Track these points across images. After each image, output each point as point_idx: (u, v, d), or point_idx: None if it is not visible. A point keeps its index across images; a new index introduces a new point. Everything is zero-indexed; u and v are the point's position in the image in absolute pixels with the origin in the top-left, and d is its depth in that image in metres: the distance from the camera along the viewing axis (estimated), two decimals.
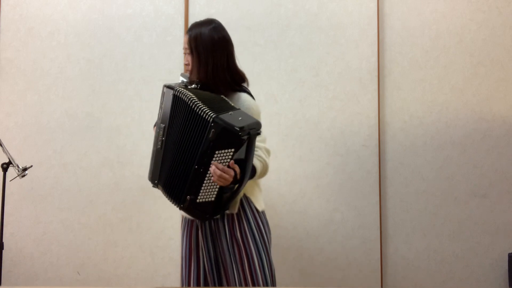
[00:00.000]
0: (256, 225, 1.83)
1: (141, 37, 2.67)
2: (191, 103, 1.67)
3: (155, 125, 1.92)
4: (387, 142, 2.64)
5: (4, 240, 2.24)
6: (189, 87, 1.80)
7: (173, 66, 2.63)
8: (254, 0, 2.65)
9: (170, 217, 2.60)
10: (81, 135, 2.65)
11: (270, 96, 2.63)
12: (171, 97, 1.78)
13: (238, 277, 1.80)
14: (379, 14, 2.64)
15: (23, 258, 2.64)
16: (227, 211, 1.81)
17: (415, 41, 2.64)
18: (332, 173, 2.62)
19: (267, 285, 1.80)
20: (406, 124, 2.64)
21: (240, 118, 1.63)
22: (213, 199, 1.69)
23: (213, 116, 1.60)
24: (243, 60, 2.62)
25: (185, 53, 1.85)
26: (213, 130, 1.60)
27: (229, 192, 1.70)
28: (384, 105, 2.64)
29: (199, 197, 1.67)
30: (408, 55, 2.64)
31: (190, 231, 1.90)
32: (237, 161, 1.64)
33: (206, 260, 1.86)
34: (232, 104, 1.74)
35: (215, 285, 1.86)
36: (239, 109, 1.72)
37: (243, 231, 1.81)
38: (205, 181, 1.65)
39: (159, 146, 1.83)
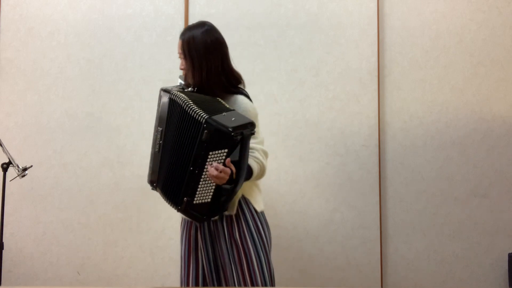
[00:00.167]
0: (254, 226, 1.83)
1: (141, 37, 2.67)
2: (185, 106, 1.69)
3: None
4: (387, 142, 2.64)
5: (4, 240, 2.24)
6: (185, 90, 1.82)
7: (173, 66, 2.63)
8: (254, 0, 2.65)
9: (170, 217, 2.60)
10: (81, 135, 2.65)
11: (270, 96, 2.63)
12: (167, 100, 1.81)
13: (237, 278, 1.80)
14: (379, 14, 2.64)
15: (23, 258, 2.64)
16: (226, 213, 1.81)
17: (415, 41, 2.64)
18: (332, 173, 2.62)
19: (265, 285, 1.80)
20: (406, 124, 2.64)
21: (233, 119, 1.64)
22: (209, 200, 1.70)
23: (206, 117, 1.62)
24: (243, 60, 2.65)
25: (180, 57, 1.85)
26: (206, 131, 1.61)
27: (225, 193, 1.71)
28: (384, 105, 2.64)
29: (195, 199, 1.68)
30: (408, 55, 2.64)
31: (189, 232, 1.91)
32: (231, 162, 1.64)
33: (205, 261, 1.87)
34: (227, 106, 1.75)
35: (213, 286, 1.86)
36: (233, 110, 1.72)
37: (241, 232, 1.82)
38: (200, 182, 1.66)
39: (156, 149, 1.85)
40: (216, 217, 1.82)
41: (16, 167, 2.23)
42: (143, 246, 2.63)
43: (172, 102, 1.78)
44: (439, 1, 2.65)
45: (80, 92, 2.67)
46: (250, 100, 1.87)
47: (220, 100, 1.78)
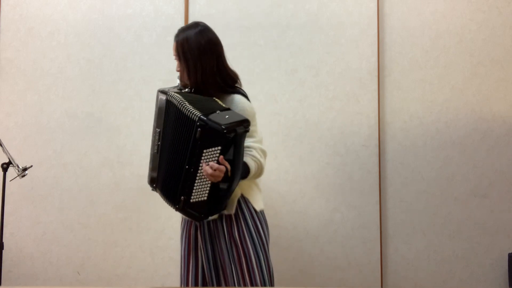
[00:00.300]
0: (254, 225, 1.83)
1: (141, 37, 2.67)
2: (180, 105, 1.71)
3: None
4: (387, 142, 2.64)
5: (4, 240, 2.24)
6: (182, 91, 1.83)
7: (173, 66, 2.59)
8: (254, 0, 2.65)
9: (170, 217, 2.60)
10: (81, 135, 2.65)
11: (270, 96, 2.63)
12: (164, 101, 1.82)
13: (237, 277, 1.81)
14: (379, 14, 2.64)
15: (23, 258, 2.64)
16: (225, 212, 1.82)
17: (415, 41, 2.64)
18: (332, 173, 2.62)
19: (265, 285, 1.80)
20: (406, 124, 2.64)
21: (227, 117, 1.66)
22: (205, 198, 1.70)
23: (199, 115, 1.64)
24: (243, 60, 2.65)
25: (175, 59, 1.86)
26: (199, 129, 1.63)
27: (222, 191, 1.71)
28: (384, 105, 2.64)
29: (192, 197, 1.69)
30: (408, 55, 2.64)
31: (189, 231, 1.91)
32: (226, 160, 1.65)
33: (205, 260, 1.87)
34: (223, 105, 1.75)
35: (213, 285, 1.87)
36: (228, 108, 1.73)
37: (241, 232, 1.82)
38: (196, 181, 1.67)
39: (155, 151, 1.87)
40: (215, 216, 1.82)
41: (16, 167, 2.23)
42: (143, 246, 2.63)
43: (168, 103, 1.80)
44: (439, 1, 2.65)
45: (80, 92, 2.67)
46: (248, 99, 1.87)
47: (216, 99, 1.78)
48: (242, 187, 1.83)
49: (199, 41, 1.78)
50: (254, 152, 1.79)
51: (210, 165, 1.62)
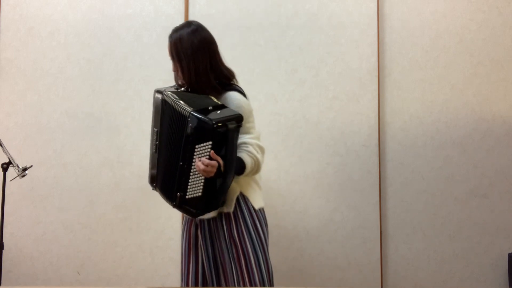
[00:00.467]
0: (252, 223, 1.83)
1: (141, 37, 2.67)
2: (173, 103, 1.74)
3: None
4: (387, 142, 2.64)
5: (4, 240, 2.24)
6: (178, 90, 1.84)
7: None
8: (254, 0, 2.65)
9: (170, 217, 2.60)
10: (81, 135, 2.65)
11: (270, 96, 2.63)
12: (160, 101, 1.85)
13: (236, 275, 1.81)
14: (379, 14, 2.64)
15: (23, 258, 2.64)
16: (224, 210, 1.82)
17: (415, 41, 2.64)
18: (332, 173, 2.62)
19: (263, 283, 1.81)
20: (406, 124, 2.64)
21: (218, 112, 1.67)
22: (200, 194, 1.71)
23: (190, 111, 1.65)
24: (243, 60, 2.65)
25: (170, 59, 1.87)
26: (190, 124, 1.65)
27: (216, 186, 1.71)
28: (384, 105, 2.64)
29: (187, 193, 1.70)
30: (408, 55, 2.64)
31: (189, 230, 1.92)
32: (219, 155, 1.66)
33: (205, 259, 1.88)
34: (217, 102, 1.76)
35: (213, 283, 1.88)
36: (222, 104, 1.74)
37: (239, 230, 1.82)
38: (190, 177, 1.68)
39: (154, 150, 1.90)
40: (215, 214, 1.83)
41: (16, 167, 2.23)
42: (143, 246, 2.63)
43: (163, 102, 1.82)
44: (439, 1, 2.65)
45: (80, 92, 2.67)
46: (244, 95, 1.86)
47: (211, 97, 1.79)
48: (241, 185, 1.83)
49: (192, 41, 1.79)
50: (250, 148, 1.79)
51: (202, 160, 1.63)
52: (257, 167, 1.82)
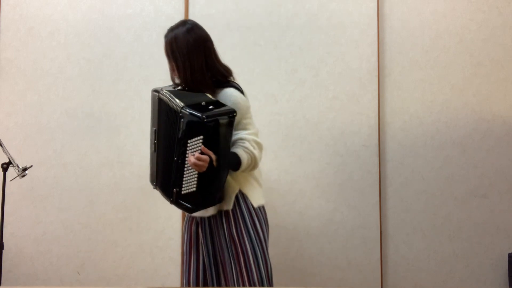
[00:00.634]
0: (251, 222, 1.83)
1: (141, 37, 2.67)
2: (168, 100, 1.75)
3: None
4: (387, 142, 2.64)
5: (4, 240, 2.24)
6: (175, 89, 1.85)
7: None
8: (254, 0, 2.65)
9: (170, 217, 2.60)
10: (81, 135, 2.65)
11: (270, 96, 2.63)
12: (156, 99, 1.86)
13: (236, 273, 1.82)
14: (379, 14, 2.64)
15: (23, 258, 2.64)
16: (224, 208, 1.82)
17: (415, 41, 2.64)
18: (332, 173, 2.62)
19: (262, 283, 1.81)
20: (406, 124, 2.64)
21: (210, 107, 1.67)
22: (195, 189, 1.71)
23: (182, 106, 1.67)
24: (243, 60, 2.65)
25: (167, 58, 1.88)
26: (182, 120, 1.66)
27: (211, 180, 1.71)
28: (384, 105, 2.64)
29: (183, 189, 1.71)
30: (408, 55, 2.64)
31: (190, 227, 1.93)
32: (210, 149, 1.66)
33: (205, 257, 1.88)
34: (212, 98, 1.76)
35: (213, 281, 1.89)
36: (216, 100, 1.74)
37: (238, 229, 1.82)
38: (185, 172, 1.69)
39: (153, 150, 1.91)
40: (214, 212, 1.83)
41: (16, 167, 2.23)
42: (143, 246, 2.63)
43: (160, 100, 1.83)
44: (439, 1, 2.65)
45: (80, 92, 2.67)
46: (241, 91, 1.86)
47: (206, 94, 1.79)
48: (240, 183, 1.84)
49: (188, 40, 1.79)
50: (246, 144, 1.79)
51: (194, 155, 1.63)
52: (254, 163, 1.81)
